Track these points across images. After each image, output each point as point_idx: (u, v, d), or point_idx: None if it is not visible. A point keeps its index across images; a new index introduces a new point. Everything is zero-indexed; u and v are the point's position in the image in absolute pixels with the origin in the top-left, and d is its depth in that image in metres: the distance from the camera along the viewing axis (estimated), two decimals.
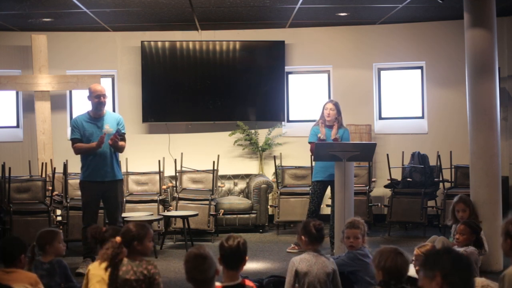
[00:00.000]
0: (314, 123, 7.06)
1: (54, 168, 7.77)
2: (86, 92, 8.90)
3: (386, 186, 8.37)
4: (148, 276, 3.58)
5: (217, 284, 3.37)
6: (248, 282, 3.51)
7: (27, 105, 8.93)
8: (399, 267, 3.11)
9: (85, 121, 6.23)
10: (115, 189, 6.22)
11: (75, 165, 8.45)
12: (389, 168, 8.21)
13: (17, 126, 9.14)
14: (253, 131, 9.00)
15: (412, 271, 3.83)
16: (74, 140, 6.21)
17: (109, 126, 6.19)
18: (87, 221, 6.10)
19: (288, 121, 9.28)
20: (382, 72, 9.26)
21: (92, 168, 6.14)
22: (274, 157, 8.64)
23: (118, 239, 3.61)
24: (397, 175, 8.34)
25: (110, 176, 6.17)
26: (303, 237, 4.10)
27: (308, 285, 3.98)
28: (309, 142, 6.94)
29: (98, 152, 6.10)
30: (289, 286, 4.03)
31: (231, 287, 3.39)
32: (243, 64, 9.07)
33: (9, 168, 7.24)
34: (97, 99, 6.19)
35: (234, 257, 3.43)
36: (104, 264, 3.85)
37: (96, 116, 6.24)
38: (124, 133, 6.29)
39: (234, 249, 3.43)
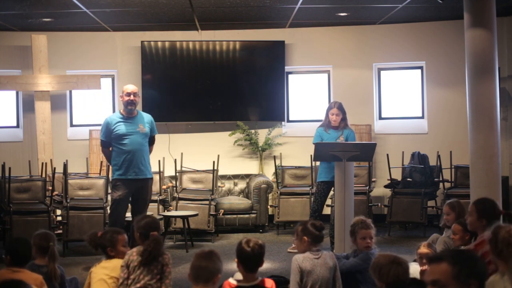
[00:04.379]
0: (319, 124, 7.04)
1: (54, 168, 7.77)
2: (86, 92, 9.04)
3: (386, 186, 8.37)
4: (162, 264, 3.81)
5: (232, 282, 3.41)
6: (267, 282, 3.53)
7: (27, 105, 8.93)
8: (401, 277, 3.13)
9: (118, 120, 6.28)
10: (147, 187, 6.31)
11: (75, 165, 8.51)
12: (389, 168, 8.21)
13: (17, 126, 9.14)
14: (253, 131, 8.99)
15: (410, 270, 3.81)
16: (102, 142, 6.39)
17: (143, 126, 6.29)
18: (114, 220, 6.17)
19: (288, 121, 9.28)
20: (382, 72, 9.26)
21: (126, 166, 6.19)
22: (274, 157, 8.64)
23: (155, 233, 3.86)
24: (397, 175, 8.34)
25: (143, 174, 6.25)
26: (305, 237, 4.09)
27: (312, 284, 3.98)
28: (314, 143, 6.93)
29: (132, 150, 6.19)
30: (295, 284, 4.00)
31: (247, 287, 3.46)
32: (243, 64, 9.07)
33: (9, 168, 7.24)
34: (127, 97, 6.25)
35: (255, 261, 3.50)
36: (105, 264, 3.89)
37: (128, 115, 6.30)
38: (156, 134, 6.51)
39: (257, 253, 3.50)
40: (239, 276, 3.58)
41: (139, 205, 6.28)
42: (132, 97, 6.24)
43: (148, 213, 7.33)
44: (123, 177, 6.19)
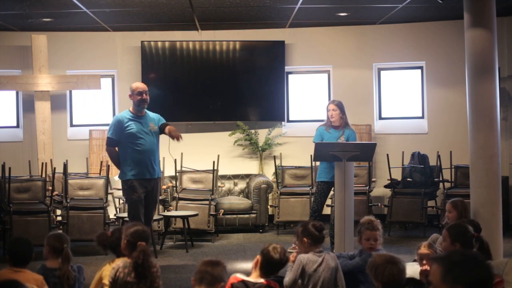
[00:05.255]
0: (321, 123, 7.04)
1: (54, 168, 7.77)
2: (86, 92, 9.05)
3: (386, 186, 8.37)
4: (150, 280, 3.61)
5: (238, 276, 3.45)
6: (272, 283, 3.58)
7: (27, 105, 8.94)
8: (396, 277, 3.15)
9: (130, 118, 6.15)
10: (157, 187, 6.30)
11: (75, 165, 8.51)
12: (389, 168, 8.21)
13: (17, 126, 9.14)
14: (253, 131, 9.00)
15: (410, 270, 3.82)
16: (110, 140, 6.18)
17: (153, 124, 6.22)
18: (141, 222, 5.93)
19: (288, 121, 9.28)
20: (382, 72, 9.26)
21: (140, 166, 6.08)
22: (274, 157, 8.64)
23: (143, 244, 3.65)
24: (397, 175, 8.34)
25: (156, 174, 6.21)
26: (305, 239, 4.10)
27: (313, 285, 4.02)
28: (314, 142, 6.93)
29: (146, 150, 6.09)
30: (292, 281, 4.03)
31: (254, 283, 3.50)
32: (243, 64, 9.07)
33: (9, 168, 7.23)
34: (140, 96, 6.14)
35: (276, 268, 3.60)
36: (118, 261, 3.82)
37: (138, 114, 6.19)
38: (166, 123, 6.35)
39: (284, 262, 3.60)
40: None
41: (150, 205, 6.17)
42: (144, 95, 6.13)
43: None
44: (138, 178, 6.06)
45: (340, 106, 6.87)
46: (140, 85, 6.25)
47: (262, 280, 3.53)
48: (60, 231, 4.50)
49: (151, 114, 6.33)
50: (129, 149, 6.11)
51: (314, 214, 6.83)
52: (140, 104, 6.14)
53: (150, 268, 3.60)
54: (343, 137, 6.80)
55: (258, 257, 3.63)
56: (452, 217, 5.43)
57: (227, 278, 3.36)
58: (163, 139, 8.92)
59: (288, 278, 4.06)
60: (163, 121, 6.35)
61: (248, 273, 3.68)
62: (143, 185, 6.10)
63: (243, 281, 3.48)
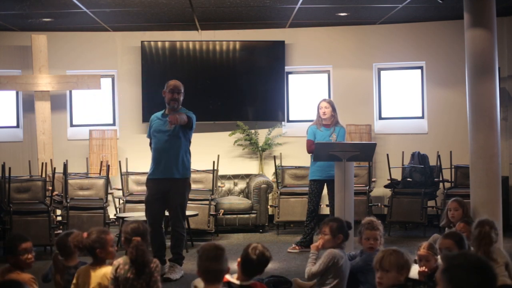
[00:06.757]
0: (311, 123, 7.08)
1: (54, 168, 7.77)
2: (86, 92, 9.05)
3: (386, 186, 8.37)
4: (149, 275, 3.59)
5: (226, 276, 3.44)
6: (258, 286, 3.56)
7: (27, 105, 8.94)
8: (401, 260, 3.21)
9: (158, 117, 5.96)
10: (175, 188, 5.87)
11: (75, 165, 8.52)
12: (389, 168, 8.21)
13: (17, 126, 9.14)
14: (253, 131, 8.99)
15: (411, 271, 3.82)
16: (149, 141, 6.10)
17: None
18: (148, 221, 5.76)
19: (288, 121, 9.28)
20: (382, 72, 9.26)
21: (154, 165, 5.91)
22: (274, 157, 8.64)
23: (138, 239, 3.61)
24: (397, 175, 8.34)
25: (170, 174, 5.85)
26: (341, 235, 4.30)
27: (340, 280, 4.22)
28: (308, 140, 6.95)
29: (158, 149, 5.87)
30: (319, 272, 4.22)
31: (241, 286, 3.47)
32: (243, 64, 9.07)
33: (9, 168, 7.23)
34: (170, 94, 5.82)
35: (256, 269, 3.55)
36: (94, 272, 3.75)
37: (170, 112, 5.88)
38: (190, 118, 5.84)
39: (262, 263, 3.55)
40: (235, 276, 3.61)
41: (170, 207, 5.96)
42: (176, 95, 5.82)
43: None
44: (151, 177, 5.94)
45: (332, 104, 6.93)
46: (172, 83, 5.87)
47: (247, 283, 3.48)
48: (73, 230, 4.40)
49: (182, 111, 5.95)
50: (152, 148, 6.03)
51: (311, 215, 6.84)
52: (170, 103, 5.87)
53: (148, 264, 3.57)
54: (334, 134, 6.82)
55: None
56: (458, 216, 5.42)
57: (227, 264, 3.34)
58: None
59: (315, 268, 4.24)
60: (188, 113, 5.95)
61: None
62: (157, 184, 5.89)
63: (228, 283, 3.47)
